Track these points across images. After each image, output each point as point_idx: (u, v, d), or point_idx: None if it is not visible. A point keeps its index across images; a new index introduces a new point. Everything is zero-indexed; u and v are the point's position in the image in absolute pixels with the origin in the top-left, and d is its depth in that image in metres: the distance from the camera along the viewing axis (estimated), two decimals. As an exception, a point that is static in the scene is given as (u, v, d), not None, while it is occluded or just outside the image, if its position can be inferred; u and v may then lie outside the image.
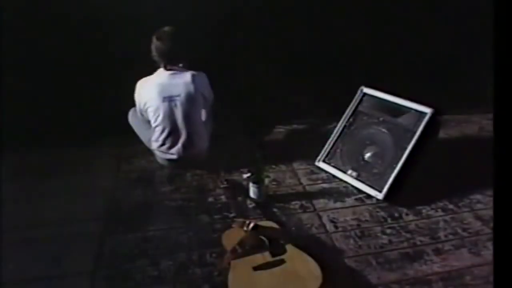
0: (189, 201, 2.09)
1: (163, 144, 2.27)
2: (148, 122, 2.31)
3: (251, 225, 1.69)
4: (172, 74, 2.20)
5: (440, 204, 2.04)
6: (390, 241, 1.80)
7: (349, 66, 2.79)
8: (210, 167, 2.36)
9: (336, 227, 1.90)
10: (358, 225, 1.91)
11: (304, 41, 2.75)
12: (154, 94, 2.18)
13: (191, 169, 2.35)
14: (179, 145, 2.26)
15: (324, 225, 1.90)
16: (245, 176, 2.27)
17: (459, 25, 2.85)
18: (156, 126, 2.25)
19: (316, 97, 2.78)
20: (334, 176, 2.25)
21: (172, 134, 2.24)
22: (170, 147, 2.27)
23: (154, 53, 2.17)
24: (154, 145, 2.32)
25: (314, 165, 2.36)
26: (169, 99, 2.18)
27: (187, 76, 2.20)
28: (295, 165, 2.41)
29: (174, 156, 2.29)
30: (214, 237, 1.81)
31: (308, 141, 2.66)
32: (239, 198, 2.08)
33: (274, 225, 1.79)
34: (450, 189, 2.13)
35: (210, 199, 2.10)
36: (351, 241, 1.81)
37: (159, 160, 2.38)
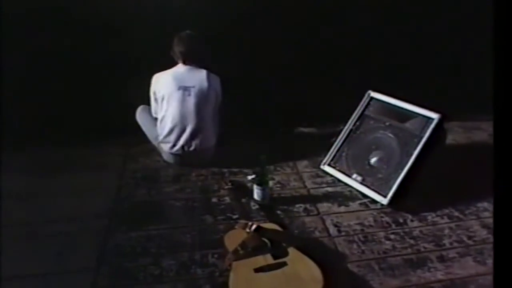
0: (193, 201, 2.10)
1: (169, 134, 2.31)
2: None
3: (254, 226, 1.69)
4: (189, 68, 2.32)
5: (446, 211, 2.01)
6: (393, 247, 1.78)
7: (354, 69, 2.77)
8: (215, 167, 2.37)
9: (339, 231, 1.88)
10: (362, 230, 1.90)
11: (311, 44, 2.74)
12: (170, 83, 2.29)
13: (196, 169, 2.36)
14: (187, 134, 2.29)
15: (327, 229, 1.89)
16: (249, 178, 2.27)
17: (469, 30, 2.82)
18: (164, 115, 2.30)
19: (323, 100, 2.76)
20: (339, 180, 2.24)
21: (181, 123, 2.29)
22: (178, 138, 2.30)
23: (174, 52, 2.31)
24: (161, 137, 2.35)
25: (319, 168, 2.35)
26: (184, 88, 2.28)
27: (203, 72, 2.32)
28: (300, 168, 2.41)
29: (179, 149, 2.31)
30: (217, 238, 1.81)
31: (314, 144, 2.65)
32: (243, 200, 2.08)
33: (277, 227, 1.79)
34: (456, 196, 2.10)
35: (214, 200, 2.10)
36: (354, 245, 1.79)
37: (165, 157, 2.40)
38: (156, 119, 2.41)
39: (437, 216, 1.99)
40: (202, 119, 2.30)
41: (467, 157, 2.49)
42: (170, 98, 2.28)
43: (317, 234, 1.87)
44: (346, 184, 2.20)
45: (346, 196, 2.14)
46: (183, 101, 2.27)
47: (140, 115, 2.51)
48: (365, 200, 2.10)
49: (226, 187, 2.13)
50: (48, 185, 2.23)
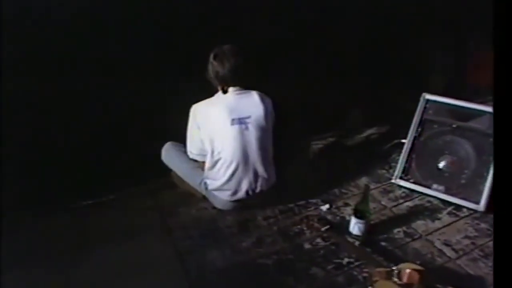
0: (284, 253, 1.73)
1: (229, 180, 1.85)
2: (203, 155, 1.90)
3: (406, 275, 1.43)
4: (237, 94, 1.84)
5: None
6: (514, 256, 1.72)
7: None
8: (277, 202, 2.02)
9: (454, 250, 1.75)
10: (473, 243, 1.79)
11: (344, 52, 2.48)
12: (221, 117, 1.80)
13: (257, 210, 1.97)
14: (251, 176, 1.85)
15: (442, 252, 1.74)
16: (324, 208, 2.01)
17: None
18: (219, 159, 1.84)
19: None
20: (412, 191, 2.10)
21: (243, 165, 1.83)
22: (240, 183, 1.86)
23: (210, 74, 1.81)
24: (217, 184, 1.88)
25: (384, 182, 2.19)
26: (238, 122, 1.79)
27: (254, 96, 1.85)
28: (363, 185, 2.19)
29: (243, 195, 1.88)
30: (344, 295, 1.52)
31: (364, 156, 2.46)
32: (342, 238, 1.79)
33: (417, 267, 1.54)
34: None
35: (307, 246, 1.77)
36: (481, 264, 1.68)
37: (219, 205, 1.95)
38: (193, 160, 1.95)
39: (522, 211, 1.99)
40: (266, 155, 1.86)
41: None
42: (223, 137, 1.81)
43: (438, 260, 1.70)
44: (422, 194, 2.08)
45: (429, 208, 2.02)
46: (241, 139, 1.80)
47: (169, 156, 2.01)
48: (450, 209, 2.00)
49: (323, 228, 1.79)
50: (79, 275, 1.60)
